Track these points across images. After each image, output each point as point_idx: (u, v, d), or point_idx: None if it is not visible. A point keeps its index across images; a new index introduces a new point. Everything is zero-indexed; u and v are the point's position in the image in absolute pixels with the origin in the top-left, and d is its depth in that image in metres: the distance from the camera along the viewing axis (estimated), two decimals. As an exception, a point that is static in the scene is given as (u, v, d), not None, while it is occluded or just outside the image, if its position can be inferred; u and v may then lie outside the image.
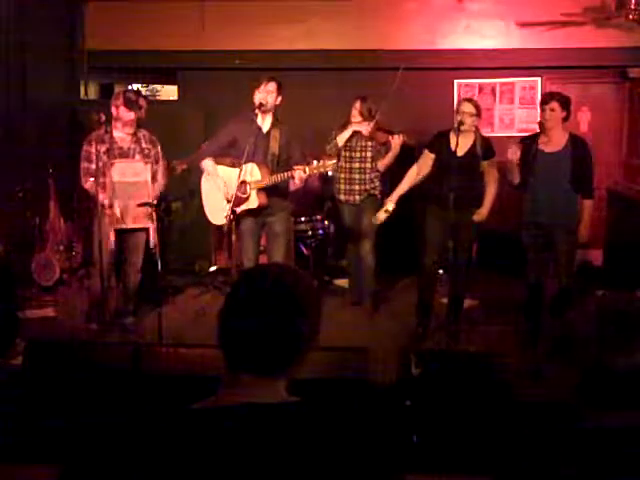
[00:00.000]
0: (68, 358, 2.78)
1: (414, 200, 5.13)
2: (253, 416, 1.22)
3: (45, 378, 2.70)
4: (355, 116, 5.28)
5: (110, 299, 5.03)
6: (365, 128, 5.18)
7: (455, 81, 7.07)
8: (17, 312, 4.73)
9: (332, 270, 6.42)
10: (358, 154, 5.33)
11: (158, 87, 9.52)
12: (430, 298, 4.93)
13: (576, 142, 4.52)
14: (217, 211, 4.67)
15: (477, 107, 4.75)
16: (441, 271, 5.42)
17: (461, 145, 4.64)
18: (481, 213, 4.77)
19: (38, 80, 6.34)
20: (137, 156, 4.85)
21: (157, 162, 4.94)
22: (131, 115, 4.78)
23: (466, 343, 4.65)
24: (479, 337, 4.78)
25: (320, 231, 6.26)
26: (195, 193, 4.94)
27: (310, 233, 6.22)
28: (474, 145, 4.74)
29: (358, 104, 5.26)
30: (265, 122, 4.61)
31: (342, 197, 5.48)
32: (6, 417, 2.42)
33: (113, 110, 4.81)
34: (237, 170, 4.41)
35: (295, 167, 4.33)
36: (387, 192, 5.44)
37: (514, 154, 4.51)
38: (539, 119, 4.68)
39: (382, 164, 5.29)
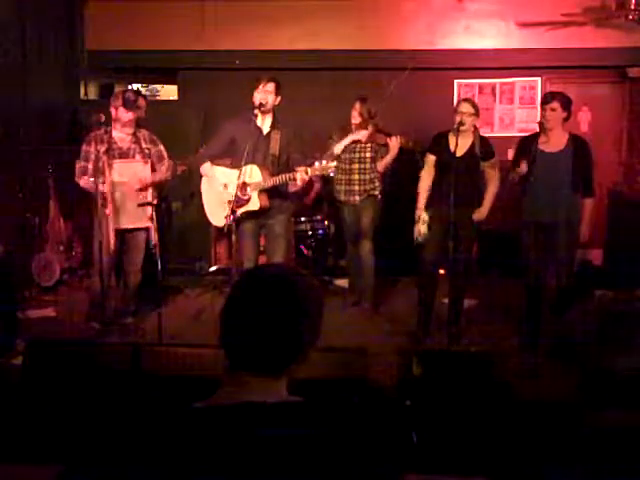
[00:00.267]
0: (68, 358, 2.78)
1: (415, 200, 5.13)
2: (253, 415, 1.22)
3: (45, 378, 2.70)
4: (355, 117, 5.28)
5: (110, 299, 5.02)
6: (363, 136, 5.19)
7: (455, 81, 7.08)
8: (17, 312, 4.77)
9: (332, 270, 6.42)
10: (357, 155, 5.33)
11: (158, 87, 9.51)
12: (430, 298, 4.93)
13: (577, 142, 4.52)
14: (217, 212, 4.66)
15: (475, 107, 4.76)
16: (441, 271, 5.42)
17: (460, 145, 4.64)
18: (480, 213, 4.77)
19: (38, 80, 6.34)
20: (137, 156, 4.85)
21: (160, 160, 4.94)
22: (130, 115, 4.78)
23: (466, 343, 4.66)
24: (479, 337, 4.78)
25: (320, 231, 6.27)
26: (195, 193, 4.94)
27: (310, 233, 6.23)
28: (473, 145, 4.74)
29: (358, 105, 5.26)
30: (265, 123, 4.60)
31: (342, 198, 5.48)
32: (6, 417, 2.42)
33: (112, 111, 4.81)
34: (237, 171, 4.40)
35: (296, 169, 4.32)
36: (387, 192, 5.46)
37: (521, 170, 4.52)
38: (539, 119, 4.68)
39: (381, 165, 5.29)
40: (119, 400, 2.56)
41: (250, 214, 4.54)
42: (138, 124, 4.96)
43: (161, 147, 4.97)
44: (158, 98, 9.35)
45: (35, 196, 5.93)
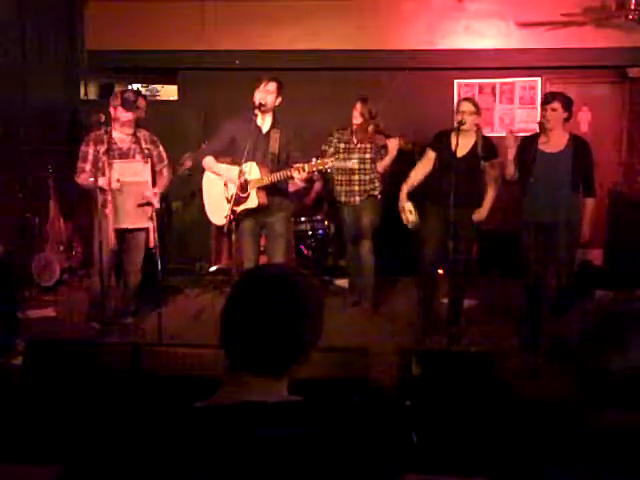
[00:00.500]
0: (68, 358, 2.78)
1: (415, 200, 5.13)
2: (254, 415, 1.22)
3: (45, 378, 2.70)
4: (356, 117, 5.29)
5: (110, 299, 5.02)
6: (352, 164, 5.15)
7: (455, 81, 7.08)
8: (17, 312, 4.77)
9: (332, 270, 6.42)
10: (357, 155, 5.33)
11: (158, 87, 9.51)
12: (430, 298, 4.93)
13: (577, 143, 4.50)
14: (218, 211, 4.66)
15: (476, 106, 4.76)
16: (440, 271, 5.43)
17: (462, 145, 4.64)
18: (480, 213, 4.77)
19: (38, 80, 6.34)
20: (137, 156, 4.85)
21: (161, 162, 4.95)
22: (129, 115, 4.78)
23: (466, 343, 4.66)
24: (479, 337, 4.78)
25: (320, 231, 6.27)
26: (195, 193, 4.94)
27: (310, 233, 6.23)
28: (475, 145, 4.74)
29: (359, 105, 5.27)
30: (265, 122, 4.60)
31: (342, 198, 5.48)
32: (6, 417, 2.42)
33: (111, 111, 4.81)
34: (237, 168, 4.41)
35: (295, 166, 4.32)
36: (387, 193, 5.46)
37: (511, 141, 4.51)
38: (539, 119, 4.67)
39: (381, 166, 5.29)
40: (119, 400, 2.56)
41: (249, 212, 4.54)
42: (138, 124, 4.96)
43: (161, 148, 4.98)
44: (158, 98, 9.35)
45: (35, 196, 5.93)
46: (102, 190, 4.61)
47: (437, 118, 5.81)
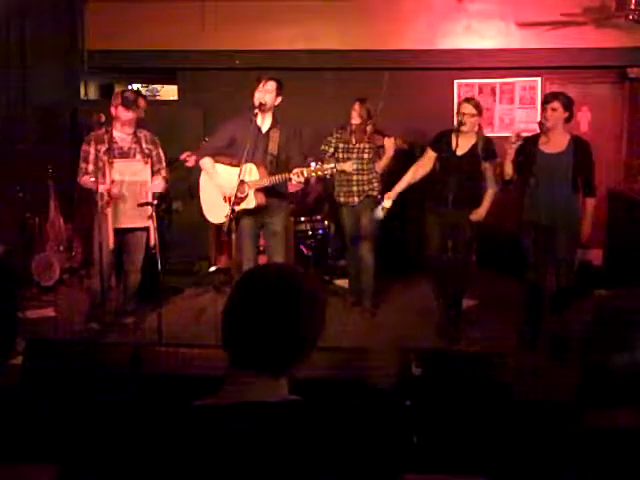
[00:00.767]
0: (68, 358, 2.78)
1: (415, 199, 5.14)
2: (254, 414, 1.22)
3: (45, 378, 2.70)
4: (354, 118, 5.28)
5: (110, 299, 5.03)
6: (348, 166, 5.12)
7: (455, 81, 7.08)
8: (17, 312, 4.77)
9: (332, 270, 6.42)
10: (355, 155, 5.33)
11: (158, 87, 9.52)
12: (445, 291, 4.93)
13: (578, 144, 4.48)
14: (214, 210, 4.68)
15: (477, 107, 4.76)
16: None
17: (462, 145, 4.64)
18: (478, 213, 4.77)
19: (38, 80, 6.34)
20: (138, 156, 4.86)
21: (160, 162, 4.96)
22: (129, 115, 4.79)
23: (466, 343, 4.66)
24: (479, 337, 4.78)
25: (320, 231, 6.27)
26: (195, 193, 4.94)
27: (310, 233, 6.23)
28: (475, 146, 4.74)
29: (357, 106, 5.26)
30: (264, 122, 4.60)
31: (341, 199, 5.47)
32: (6, 417, 2.42)
33: (112, 110, 4.83)
34: (236, 169, 4.41)
35: (293, 170, 4.32)
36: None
37: (513, 144, 4.51)
38: (539, 119, 4.67)
39: (379, 166, 5.29)
40: (119, 400, 2.56)
41: (248, 212, 4.54)
42: (139, 125, 4.96)
43: (160, 150, 5.00)
44: (158, 98, 9.36)
45: (35, 196, 5.93)
46: (102, 189, 4.61)
47: (437, 118, 5.82)
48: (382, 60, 6.72)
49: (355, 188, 5.36)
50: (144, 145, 4.89)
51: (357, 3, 6.86)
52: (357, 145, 5.34)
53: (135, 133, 4.89)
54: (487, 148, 4.76)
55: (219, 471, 1.17)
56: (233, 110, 4.86)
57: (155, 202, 4.69)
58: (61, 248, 6.03)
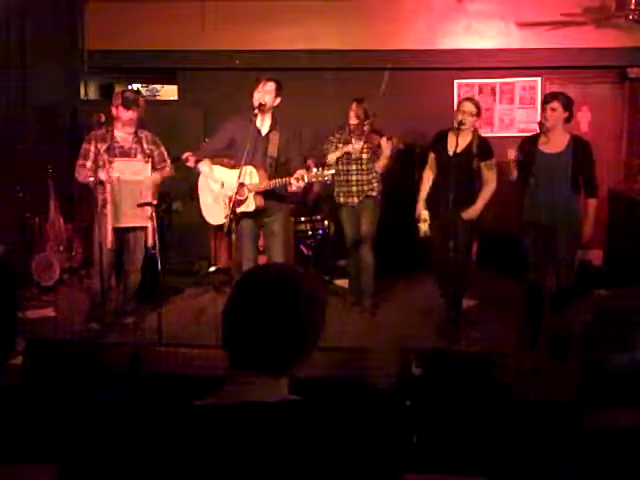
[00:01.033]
0: (68, 358, 2.78)
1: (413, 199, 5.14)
2: (254, 414, 1.22)
3: (45, 378, 2.70)
4: (352, 118, 5.28)
5: (110, 299, 5.03)
6: (356, 149, 5.19)
7: (455, 81, 7.08)
8: (17, 312, 4.77)
9: (332, 270, 6.43)
10: (354, 156, 5.33)
11: (158, 87, 9.52)
12: (445, 290, 4.94)
13: (578, 144, 4.48)
14: (213, 211, 4.68)
15: (477, 106, 4.78)
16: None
17: (459, 144, 4.66)
18: (472, 211, 4.78)
19: (38, 80, 6.34)
20: (139, 155, 4.87)
21: (163, 161, 4.97)
22: (129, 114, 4.80)
23: (466, 343, 4.66)
24: (479, 337, 4.78)
25: (320, 231, 6.27)
26: (195, 193, 4.94)
27: (310, 233, 6.22)
28: (470, 145, 4.76)
29: (354, 106, 5.26)
30: (264, 124, 4.59)
31: (341, 199, 5.48)
32: (6, 417, 2.42)
33: (113, 110, 4.84)
34: (236, 171, 4.40)
35: (294, 175, 4.30)
36: (386, 193, 5.46)
37: (513, 155, 4.54)
38: (539, 119, 4.67)
39: (378, 166, 5.28)
40: (119, 400, 2.56)
41: (247, 214, 4.54)
42: (139, 125, 4.97)
43: (162, 149, 5.01)
44: (158, 98, 9.36)
45: (35, 196, 5.93)
46: (102, 185, 4.62)
47: (437, 118, 5.81)
48: (382, 60, 6.72)
49: (354, 188, 5.36)
50: (145, 145, 4.90)
51: (357, 3, 6.86)
52: (357, 145, 5.33)
53: (136, 133, 4.89)
54: (482, 147, 4.78)
55: (219, 471, 1.17)
56: (233, 110, 4.86)
57: (155, 202, 4.69)
58: (61, 248, 6.03)
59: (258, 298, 1.30)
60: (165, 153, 5.02)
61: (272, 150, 4.55)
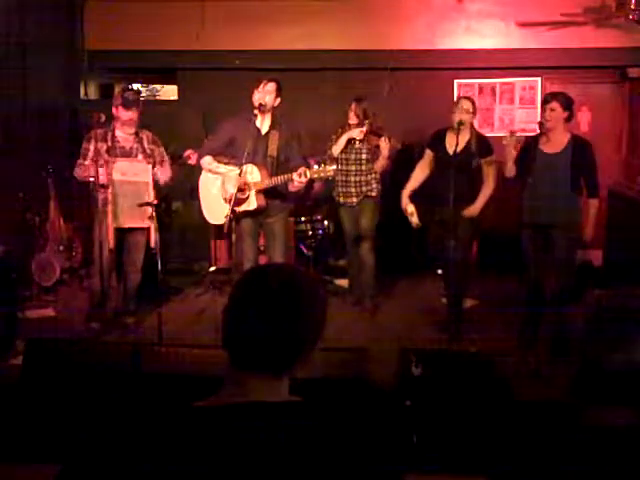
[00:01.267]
0: (68, 358, 2.78)
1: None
2: (254, 414, 1.22)
3: (45, 378, 2.70)
4: (352, 118, 5.29)
5: (110, 299, 5.03)
6: (358, 133, 5.20)
7: (455, 81, 7.08)
8: (17, 312, 4.77)
9: (332, 270, 6.43)
10: (353, 156, 5.33)
11: (158, 87, 9.52)
12: (445, 290, 4.94)
13: (578, 144, 4.47)
14: (214, 210, 4.68)
15: (474, 105, 4.81)
16: (439, 271, 5.44)
17: (459, 143, 4.67)
18: (472, 209, 4.78)
19: (38, 80, 6.34)
20: (140, 156, 4.87)
21: (162, 161, 4.97)
22: (129, 114, 4.80)
23: (466, 343, 4.66)
24: (479, 337, 4.78)
25: (320, 231, 6.26)
26: (195, 193, 4.95)
27: (310, 233, 6.22)
28: (469, 143, 4.77)
29: (354, 106, 5.27)
30: (264, 123, 4.60)
31: (340, 199, 5.48)
32: (6, 417, 2.42)
33: (113, 110, 4.85)
34: (236, 170, 4.41)
35: (296, 171, 4.31)
36: (385, 192, 5.46)
37: (509, 142, 4.52)
38: (539, 119, 4.67)
39: (378, 166, 5.28)
40: (119, 400, 2.56)
41: (248, 213, 4.54)
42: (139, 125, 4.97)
43: (162, 149, 5.01)
44: (158, 98, 9.36)
45: (35, 196, 5.93)
46: (102, 186, 4.62)
47: (437, 118, 5.81)
48: (382, 60, 6.72)
49: (354, 189, 5.37)
50: (146, 145, 4.91)
51: (357, 3, 6.86)
52: (355, 145, 5.34)
53: (137, 133, 4.89)
54: (481, 145, 4.79)
55: (220, 472, 1.17)
56: (233, 110, 4.85)
57: (155, 202, 4.69)
58: (61, 248, 6.03)
59: (258, 298, 1.30)
60: (164, 154, 5.02)
61: (272, 149, 4.56)
